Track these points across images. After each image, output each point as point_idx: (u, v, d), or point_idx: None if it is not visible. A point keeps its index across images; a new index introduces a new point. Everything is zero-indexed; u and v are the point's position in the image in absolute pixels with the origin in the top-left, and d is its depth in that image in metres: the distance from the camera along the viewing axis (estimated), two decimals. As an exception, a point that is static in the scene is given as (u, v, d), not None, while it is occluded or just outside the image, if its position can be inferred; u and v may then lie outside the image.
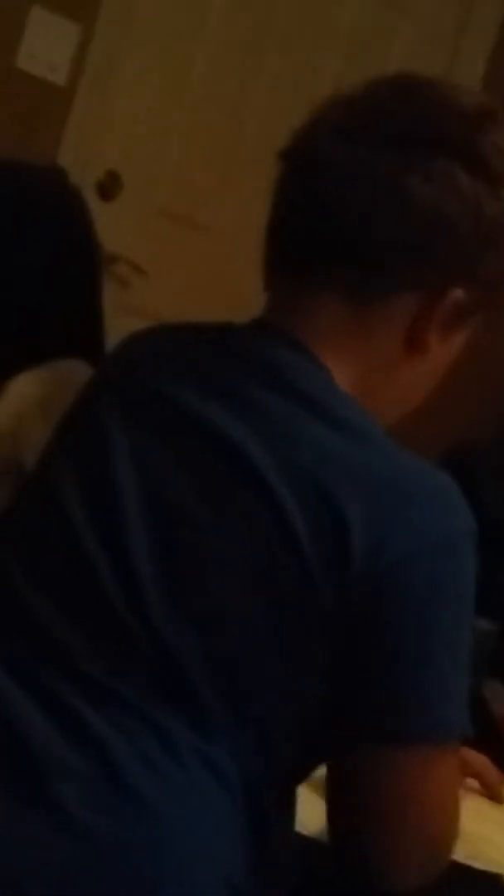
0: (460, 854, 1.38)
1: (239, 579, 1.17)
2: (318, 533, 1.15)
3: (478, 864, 1.44)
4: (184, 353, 1.31)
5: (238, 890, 1.16)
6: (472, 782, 1.63)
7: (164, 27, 3.43)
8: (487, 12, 3.83)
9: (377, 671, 1.16)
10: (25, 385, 1.68)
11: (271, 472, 1.17)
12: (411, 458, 1.21)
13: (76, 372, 1.66)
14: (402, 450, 1.21)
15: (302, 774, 1.25)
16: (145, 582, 1.18)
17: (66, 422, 1.35)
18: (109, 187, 3.43)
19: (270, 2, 3.56)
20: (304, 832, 1.30)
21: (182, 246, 3.59)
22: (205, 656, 1.16)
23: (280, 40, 3.61)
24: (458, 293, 1.26)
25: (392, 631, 1.15)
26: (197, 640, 1.16)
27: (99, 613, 1.19)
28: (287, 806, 1.24)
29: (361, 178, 1.24)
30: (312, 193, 1.27)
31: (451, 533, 1.17)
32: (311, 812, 1.28)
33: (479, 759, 1.64)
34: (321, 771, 1.23)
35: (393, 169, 1.23)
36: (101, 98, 3.37)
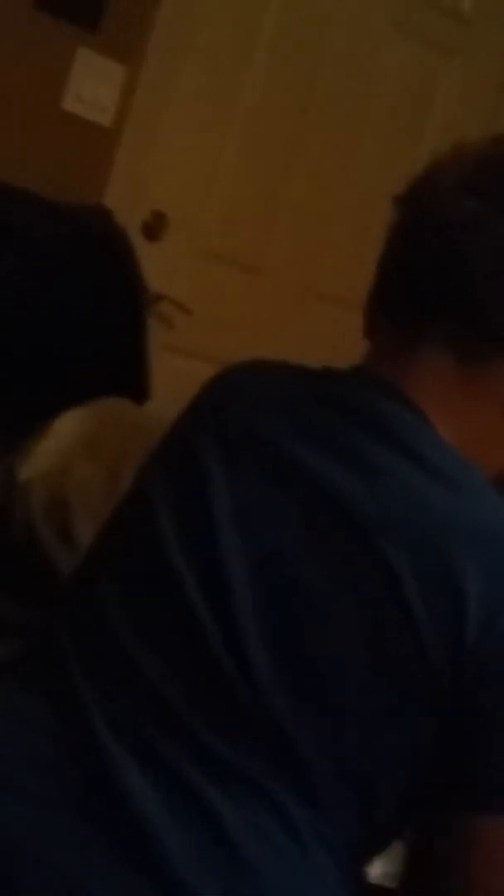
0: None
1: (348, 645, 1.15)
2: (435, 603, 1.13)
3: None
4: (282, 396, 1.29)
5: None
6: None
7: (210, 67, 3.44)
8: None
9: (481, 740, 1.15)
10: (70, 423, 1.68)
11: (385, 533, 1.15)
12: None
13: (120, 410, 1.66)
14: None
15: (391, 841, 1.23)
16: (253, 646, 1.15)
17: (154, 460, 1.33)
18: (155, 227, 3.44)
19: (317, 45, 3.57)
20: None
21: (227, 285, 3.60)
22: (314, 726, 1.14)
23: (327, 83, 3.61)
24: None
25: (500, 701, 1.14)
26: (306, 709, 1.14)
27: (206, 674, 1.16)
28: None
29: (488, 237, 1.22)
30: (433, 246, 1.24)
31: None
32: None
33: None
34: None
35: None
36: (148, 139, 3.38)
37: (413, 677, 1.13)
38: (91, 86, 3.27)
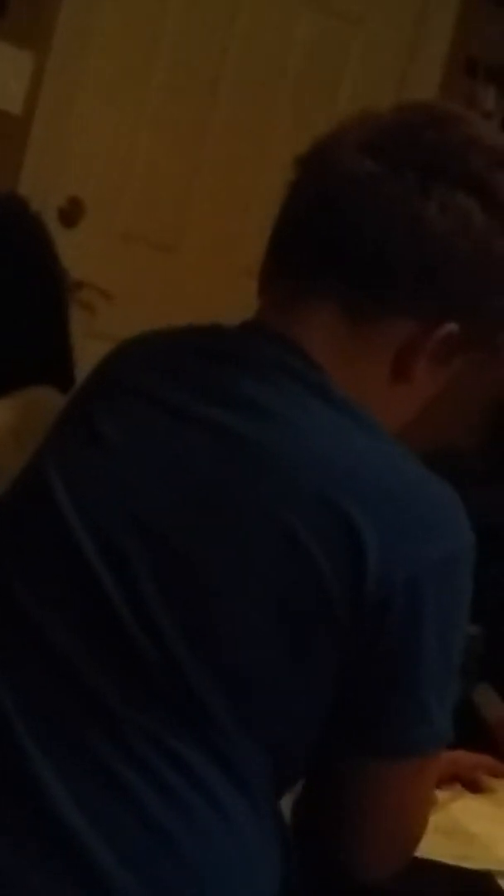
0: (450, 854, 1.41)
1: (250, 599, 1.15)
2: (334, 552, 1.14)
3: (469, 864, 1.44)
4: (173, 354, 1.29)
5: None
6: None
7: (118, 51, 3.43)
8: (440, 20, 3.84)
9: (377, 686, 1.17)
10: (-4, 415, 1.67)
11: (282, 482, 1.16)
12: (418, 467, 1.21)
13: (47, 398, 1.66)
14: (408, 452, 1.21)
15: (295, 780, 1.25)
16: (154, 605, 1.16)
17: (52, 431, 1.33)
18: (71, 213, 3.42)
19: (224, 23, 3.57)
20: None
21: (147, 268, 3.59)
22: (220, 682, 1.15)
23: (235, 60, 3.61)
24: (452, 327, 1.25)
25: (395, 648, 1.16)
26: (211, 666, 1.15)
27: (112, 639, 1.17)
28: None
29: (379, 196, 1.23)
30: (326, 203, 1.25)
31: (456, 551, 1.18)
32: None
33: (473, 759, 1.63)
34: None
35: (412, 194, 1.22)
36: (59, 125, 3.36)
37: (316, 629, 1.14)
38: (-1, 73, 3.25)
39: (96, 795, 1.13)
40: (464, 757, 1.59)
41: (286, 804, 1.26)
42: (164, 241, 3.62)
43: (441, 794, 1.53)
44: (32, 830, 1.13)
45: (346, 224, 1.23)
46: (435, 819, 1.36)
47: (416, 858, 1.28)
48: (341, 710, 1.17)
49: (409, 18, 3.80)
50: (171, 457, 1.21)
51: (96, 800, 1.13)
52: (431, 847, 1.36)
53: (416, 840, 1.26)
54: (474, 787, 1.62)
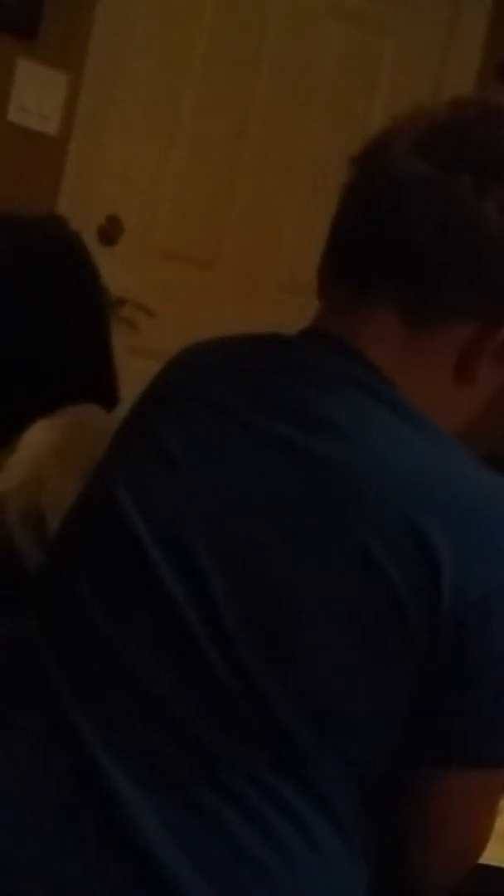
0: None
1: (324, 615, 1.14)
2: (407, 565, 1.12)
3: None
4: (232, 363, 1.28)
5: None
6: None
7: (152, 69, 3.45)
8: (473, 23, 3.84)
9: (448, 701, 1.16)
10: (40, 434, 1.68)
11: (350, 493, 1.14)
12: (488, 478, 1.19)
13: (90, 416, 1.66)
14: (478, 462, 1.19)
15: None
16: (232, 626, 1.14)
17: (112, 444, 1.32)
18: (110, 232, 3.44)
19: (255, 39, 3.58)
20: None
21: (186, 284, 3.60)
22: (300, 701, 1.13)
23: (267, 75, 3.62)
24: None
25: (467, 665, 1.14)
26: (289, 687, 1.13)
27: (190, 663, 1.15)
28: None
29: (435, 197, 1.20)
30: (381, 205, 1.23)
31: None
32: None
33: None
34: None
35: (469, 192, 1.20)
36: (95, 144, 3.38)
37: (394, 650, 1.13)
38: (34, 96, 3.27)
39: (187, 827, 1.12)
40: None
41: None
42: (202, 257, 3.64)
43: None
44: (120, 860, 1.11)
45: (402, 229, 1.21)
46: (498, 825, 1.35)
47: (478, 864, 1.28)
48: (413, 723, 1.16)
49: (440, 26, 3.80)
50: (242, 473, 1.19)
51: (188, 831, 1.11)
52: (492, 853, 1.35)
53: (481, 849, 1.25)
54: None
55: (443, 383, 1.24)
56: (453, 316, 1.22)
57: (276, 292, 3.60)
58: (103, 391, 1.78)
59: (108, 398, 1.76)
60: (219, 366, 1.29)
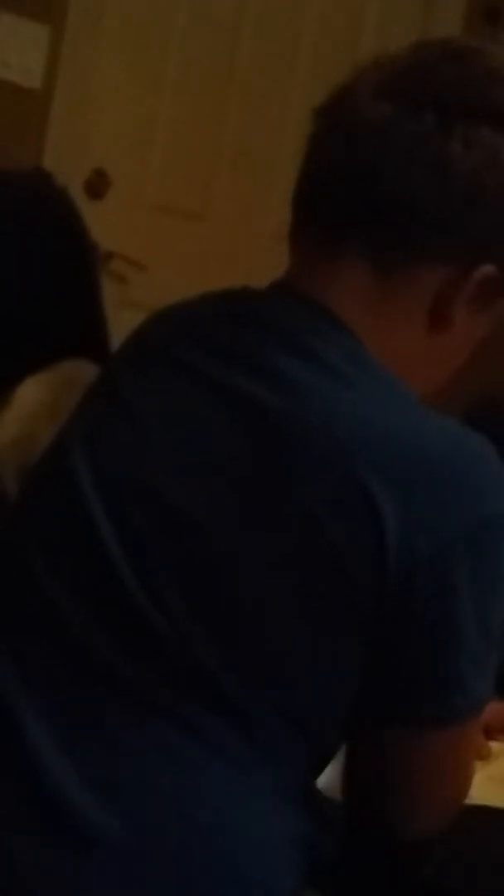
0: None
1: (268, 575, 1.12)
2: (353, 527, 1.10)
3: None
4: (202, 321, 1.26)
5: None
6: None
7: (135, 20, 3.42)
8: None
9: (410, 658, 1.14)
10: (32, 390, 1.68)
11: (298, 450, 1.12)
12: (443, 426, 1.15)
13: (82, 371, 1.65)
14: (433, 414, 1.16)
15: (333, 750, 1.24)
16: (166, 581, 1.13)
17: (82, 400, 1.32)
18: (98, 185, 3.42)
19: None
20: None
21: (176, 236, 3.58)
22: (235, 652, 1.12)
23: (253, 22, 3.59)
24: (488, 269, 1.21)
25: (426, 620, 1.13)
26: (228, 643, 1.12)
27: (125, 615, 1.14)
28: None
29: (398, 139, 1.18)
30: (345, 152, 1.21)
31: (486, 517, 1.13)
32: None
33: None
34: None
35: (433, 133, 1.17)
36: (79, 98, 3.36)
37: (337, 603, 1.11)
38: (16, 50, 3.24)
39: (100, 761, 1.11)
40: None
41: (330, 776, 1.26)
42: (192, 209, 3.62)
43: (495, 746, 1.53)
44: (28, 801, 1.11)
45: (366, 172, 1.18)
46: (489, 769, 1.35)
47: (470, 805, 1.28)
48: (377, 681, 1.15)
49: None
50: (193, 426, 1.18)
51: (103, 770, 1.11)
52: (485, 794, 1.37)
53: (460, 800, 1.24)
54: None
55: (417, 332, 1.22)
56: (424, 260, 1.19)
57: (266, 242, 3.57)
58: (94, 345, 1.78)
59: (98, 352, 1.75)
60: (187, 325, 1.28)
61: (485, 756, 1.48)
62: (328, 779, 1.26)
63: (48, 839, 1.10)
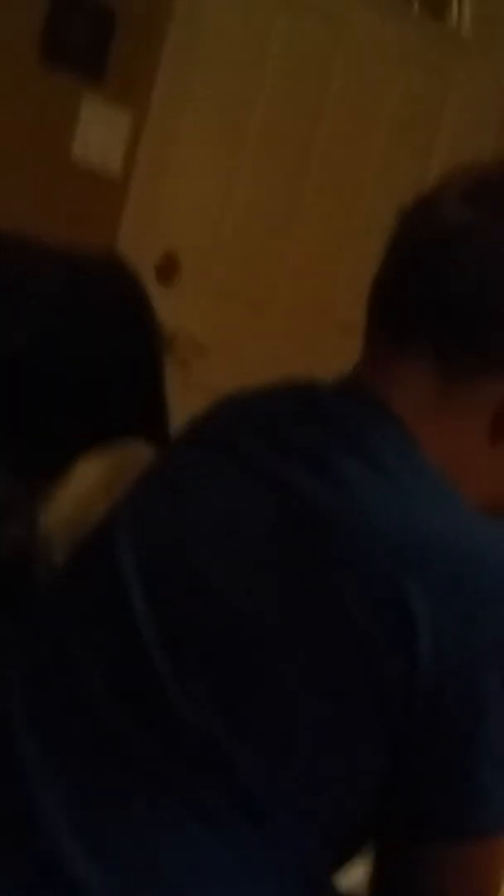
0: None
1: (296, 668, 1.11)
2: (387, 631, 1.09)
3: None
4: (264, 413, 1.27)
5: None
6: None
7: (214, 108, 3.48)
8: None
9: (436, 768, 1.12)
10: (89, 469, 1.69)
11: (341, 547, 1.12)
12: (489, 534, 1.14)
13: (140, 453, 1.67)
14: (482, 521, 1.15)
15: (351, 854, 1.21)
16: (193, 659, 1.13)
17: (136, 481, 1.33)
18: (168, 269, 3.47)
19: (320, 80, 3.60)
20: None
21: (241, 323, 3.62)
22: (257, 745, 1.11)
23: (330, 117, 3.64)
24: None
25: (453, 731, 1.11)
26: (247, 734, 1.11)
27: (149, 698, 1.14)
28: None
29: (476, 245, 1.18)
30: (423, 253, 1.21)
31: None
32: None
33: None
34: None
35: None
36: (155, 184, 3.41)
37: (365, 705, 1.10)
38: (98, 133, 3.30)
39: (111, 836, 1.11)
40: None
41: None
42: (258, 297, 3.65)
43: None
44: (35, 872, 1.10)
45: (440, 275, 1.19)
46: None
47: None
48: (402, 793, 1.12)
49: (501, 76, 3.81)
50: (242, 517, 1.18)
51: (108, 840, 1.11)
52: None
53: None
54: None
55: (479, 440, 1.21)
56: (490, 368, 1.19)
57: (330, 333, 3.61)
58: (156, 427, 1.79)
59: (158, 435, 1.77)
60: (248, 415, 1.28)
61: None
62: (353, 881, 1.24)
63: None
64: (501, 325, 1.19)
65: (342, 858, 1.20)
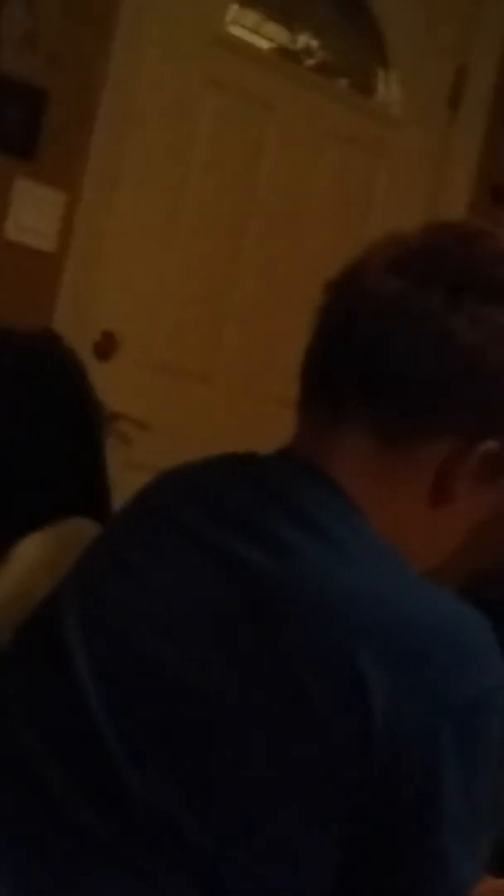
0: None
1: (252, 738, 1.10)
2: (340, 704, 1.08)
3: None
4: (205, 485, 1.27)
5: None
6: None
7: (147, 187, 3.49)
8: (466, 147, 3.90)
9: (393, 837, 1.10)
10: (31, 547, 1.68)
11: (291, 620, 1.11)
12: (436, 601, 1.14)
13: (83, 530, 1.65)
14: (428, 587, 1.14)
15: None
16: (148, 743, 1.11)
17: (80, 560, 1.31)
18: (106, 347, 3.46)
19: (252, 158, 3.63)
20: None
21: (181, 399, 3.61)
22: (211, 820, 1.09)
23: (263, 194, 3.67)
24: (491, 445, 1.20)
25: (412, 800, 1.09)
26: (202, 805, 1.09)
27: (99, 768, 1.12)
28: None
29: (405, 314, 1.19)
30: (352, 324, 1.22)
31: (478, 696, 1.10)
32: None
33: None
34: None
35: (440, 309, 1.18)
36: (91, 262, 3.41)
37: (319, 776, 1.08)
38: (31, 214, 3.31)
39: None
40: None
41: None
42: (198, 372, 3.65)
43: None
44: None
45: (372, 344, 1.20)
46: None
47: None
48: (360, 861, 1.11)
49: (433, 150, 3.87)
50: (188, 590, 1.17)
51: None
52: None
53: None
54: None
55: (419, 504, 1.21)
56: (426, 433, 1.20)
57: (271, 407, 3.61)
58: (97, 505, 1.78)
59: (100, 512, 1.76)
60: (190, 488, 1.28)
61: None
62: None
63: None
64: (433, 390, 1.19)
65: None
